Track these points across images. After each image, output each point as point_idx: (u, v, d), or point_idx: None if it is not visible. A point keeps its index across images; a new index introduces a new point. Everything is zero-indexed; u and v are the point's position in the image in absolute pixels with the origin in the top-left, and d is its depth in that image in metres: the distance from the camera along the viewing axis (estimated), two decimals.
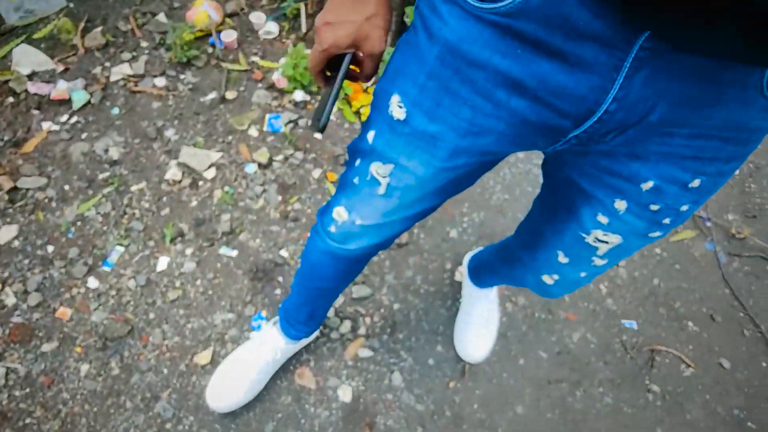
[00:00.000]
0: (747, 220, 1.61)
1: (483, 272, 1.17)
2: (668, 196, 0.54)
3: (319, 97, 1.63)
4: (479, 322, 1.25)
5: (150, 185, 1.42)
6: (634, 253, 0.69)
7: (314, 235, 0.79)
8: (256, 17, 1.76)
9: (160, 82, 1.60)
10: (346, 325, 1.27)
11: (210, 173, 1.45)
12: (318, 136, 1.54)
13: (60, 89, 1.52)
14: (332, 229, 0.72)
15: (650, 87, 0.44)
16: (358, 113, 1.63)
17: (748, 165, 1.76)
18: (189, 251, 1.33)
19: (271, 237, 1.38)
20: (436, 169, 0.59)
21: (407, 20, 1.62)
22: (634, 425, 1.23)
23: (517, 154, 1.63)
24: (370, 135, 0.61)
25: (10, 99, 1.51)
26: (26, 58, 1.56)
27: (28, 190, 1.37)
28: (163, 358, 1.18)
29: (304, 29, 1.78)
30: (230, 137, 1.53)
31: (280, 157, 1.51)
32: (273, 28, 1.75)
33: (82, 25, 1.67)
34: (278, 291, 1.30)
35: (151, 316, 1.23)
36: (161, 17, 1.74)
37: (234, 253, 1.34)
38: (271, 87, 1.64)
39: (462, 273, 1.36)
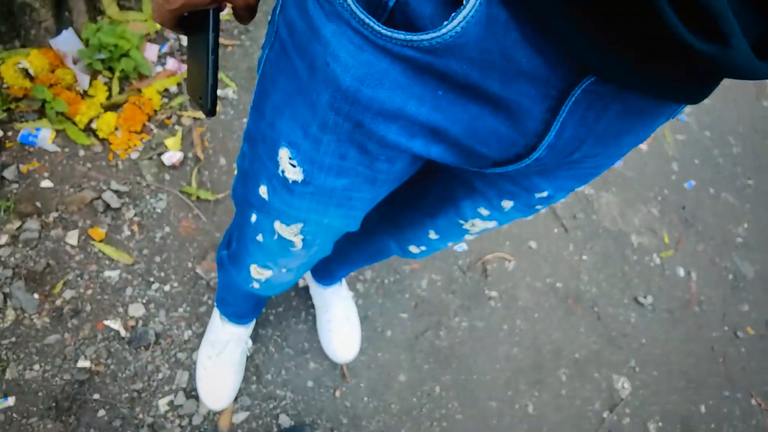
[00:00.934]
0: None
1: (329, 267, 1.08)
2: (555, 198, 0.53)
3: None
4: (340, 322, 1.21)
5: None
6: None
7: (233, 275, 0.68)
8: None
9: None
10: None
11: None
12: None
13: None
14: (255, 285, 0.67)
15: (583, 127, 0.38)
16: (90, 129, 1.19)
17: None
18: None
19: (51, 352, 1.03)
20: (356, 217, 0.52)
21: None
22: (487, 335, 1.42)
23: None
24: (262, 190, 0.47)
25: None
26: None
27: None
28: None
29: None
30: None
31: (2, 240, 1.06)
32: None
33: None
34: (102, 411, 1.02)
35: None
36: None
37: (11, 401, 0.98)
38: None
39: (306, 278, 1.25)
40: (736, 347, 1.69)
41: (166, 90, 1.30)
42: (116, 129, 1.19)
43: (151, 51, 1.30)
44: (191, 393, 1.09)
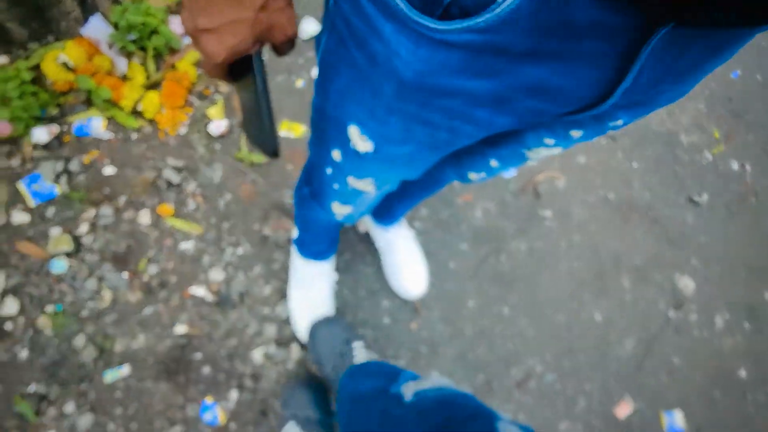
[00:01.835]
0: None
1: (390, 206, 1.10)
2: (628, 123, 0.52)
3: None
4: (406, 260, 1.25)
5: None
6: None
7: (316, 209, 0.72)
8: None
9: None
10: (295, 348, 1.17)
11: (10, 307, 1.04)
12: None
13: None
14: (339, 217, 0.71)
15: (661, 68, 0.37)
16: (136, 112, 1.22)
17: None
18: (69, 409, 1.03)
19: (150, 323, 1.11)
20: (422, 168, 0.55)
21: None
22: (547, 254, 1.44)
23: None
24: (335, 154, 0.51)
25: None
26: None
27: None
28: None
29: None
30: None
31: (84, 228, 1.12)
32: None
33: None
34: (206, 368, 1.11)
35: None
36: None
37: (126, 369, 1.07)
38: None
39: (366, 223, 1.29)
40: None
41: (199, 61, 1.30)
42: (161, 107, 1.22)
43: (177, 24, 1.29)
44: (281, 342, 1.17)
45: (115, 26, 1.18)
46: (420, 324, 1.28)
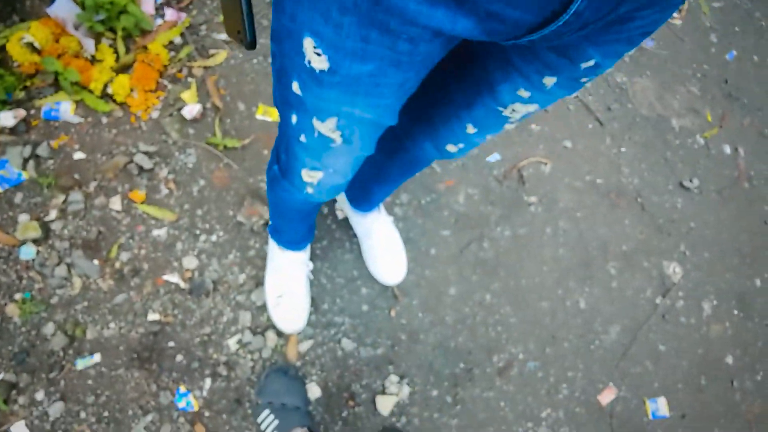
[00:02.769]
0: None
1: (367, 189, 1.07)
2: (603, 68, 0.49)
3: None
4: (385, 246, 1.22)
5: None
6: None
7: (287, 187, 0.71)
8: None
9: None
10: (271, 336, 1.15)
11: None
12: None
13: None
14: (309, 190, 0.68)
15: None
16: (106, 95, 1.19)
17: None
18: (39, 396, 1.02)
19: (122, 310, 1.10)
20: (387, 107, 0.50)
21: None
22: (531, 240, 1.41)
23: None
24: (295, 86, 0.48)
25: None
26: None
27: None
28: None
29: None
30: None
31: (53, 215, 1.10)
32: None
33: None
34: (180, 357, 1.10)
35: None
36: None
37: (96, 357, 1.06)
38: None
39: (342, 208, 1.26)
40: None
41: (171, 42, 1.26)
42: (132, 90, 1.18)
43: (148, 4, 1.25)
44: (256, 330, 1.15)
45: (82, 6, 1.14)
46: (399, 311, 1.26)
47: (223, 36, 1.32)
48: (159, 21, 1.26)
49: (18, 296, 1.06)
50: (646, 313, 1.44)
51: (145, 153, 1.19)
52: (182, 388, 1.08)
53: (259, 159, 1.26)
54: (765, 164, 1.69)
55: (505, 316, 1.33)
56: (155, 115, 1.22)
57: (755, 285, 1.54)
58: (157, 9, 1.28)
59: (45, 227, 1.10)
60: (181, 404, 1.07)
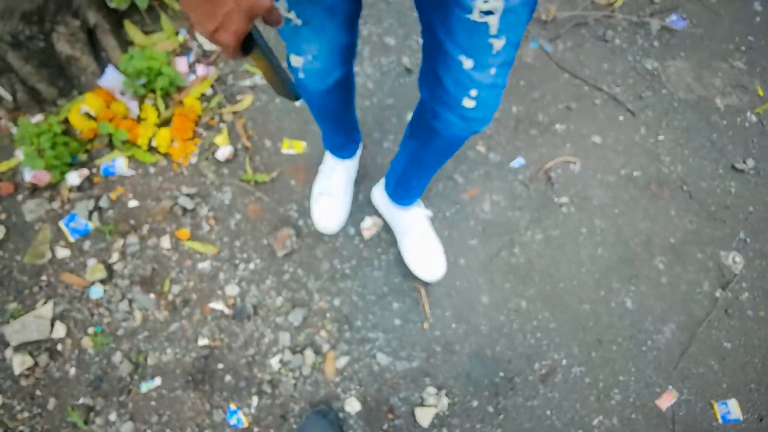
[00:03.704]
0: (546, 2, 1.64)
1: (405, 179, 1.10)
2: None
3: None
4: (426, 241, 1.25)
5: (7, 396, 1.15)
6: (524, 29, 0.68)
7: (300, 82, 0.84)
8: None
9: None
10: (309, 354, 1.22)
11: (59, 331, 1.19)
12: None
13: None
14: (301, 75, 0.81)
15: None
16: (152, 148, 1.35)
17: None
18: (112, 417, 1.15)
19: (176, 337, 1.22)
20: None
21: None
22: (565, 242, 1.37)
23: None
24: None
25: None
26: None
27: None
28: None
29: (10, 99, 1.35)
30: (43, 278, 1.23)
31: (114, 258, 1.26)
32: None
33: None
34: (228, 377, 1.20)
35: None
36: None
37: (157, 381, 1.18)
38: (33, 191, 1.29)
39: (379, 208, 1.31)
40: None
41: (203, 94, 1.41)
42: (172, 141, 1.33)
43: (182, 63, 1.41)
44: (296, 349, 1.22)
45: (125, 73, 1.31)
46: (432, 323, 1.27)
47: (248, 82, 1.45)
48: (192, 77, 1.41)
49: (91, 330, 1.21)
50: (705, 309, 1.34)
51: (187, 195, 1.32)
52: (232, 406, 1.17)
53: (287, 189, 1.36)
54: None
55: (544, 322, 1.30)
56: (194, 160, 1.36)
57: None
58: (190, 66, 1.44)
59: (109, 268, 1.26)
60: (233, 421, 1.16)
